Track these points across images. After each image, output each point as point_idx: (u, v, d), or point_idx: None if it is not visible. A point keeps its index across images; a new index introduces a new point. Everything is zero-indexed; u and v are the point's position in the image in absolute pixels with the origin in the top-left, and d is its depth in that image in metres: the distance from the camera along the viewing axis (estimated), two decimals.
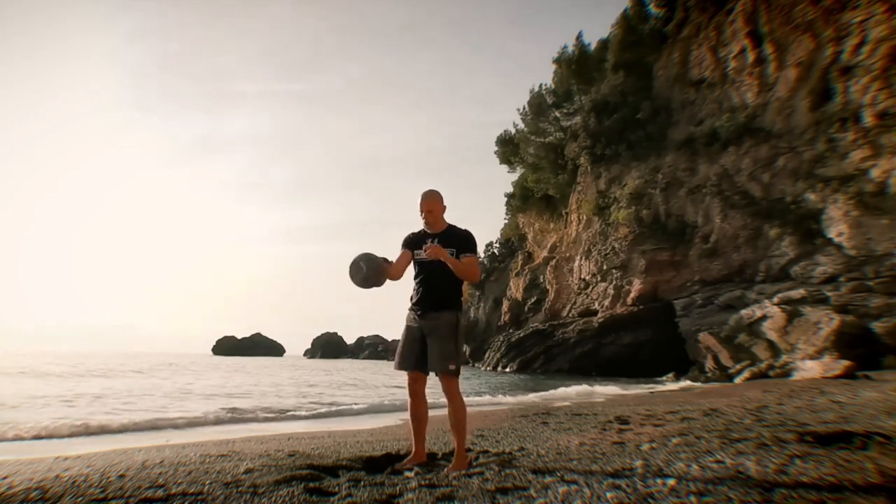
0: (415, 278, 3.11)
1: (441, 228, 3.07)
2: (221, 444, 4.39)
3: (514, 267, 36.17)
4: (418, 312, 3.03)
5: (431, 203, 3.06)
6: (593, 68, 30.53)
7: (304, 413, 8.25)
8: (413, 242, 3.11)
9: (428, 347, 2.95)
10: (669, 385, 14.69)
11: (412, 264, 3.13)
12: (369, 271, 3.01)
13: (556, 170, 31.55)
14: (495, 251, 43.14)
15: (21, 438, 5.54)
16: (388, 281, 3.08)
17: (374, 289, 3.10)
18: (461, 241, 3.04)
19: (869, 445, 2.92)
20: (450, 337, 2.94)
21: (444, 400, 2.98)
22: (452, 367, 2.88)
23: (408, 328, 3.07)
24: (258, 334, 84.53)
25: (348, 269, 3.05)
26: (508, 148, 35.44)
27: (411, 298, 3.12)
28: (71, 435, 5.77)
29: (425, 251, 2.93)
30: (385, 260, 3.07)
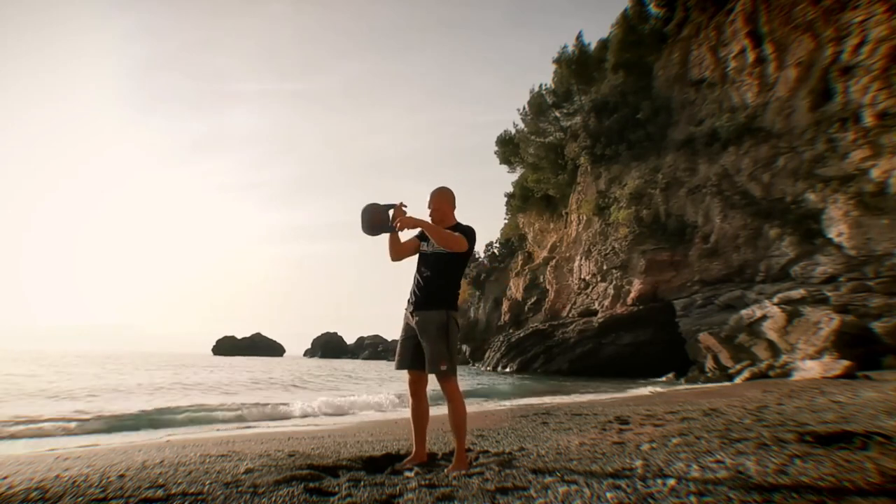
0: (415, 272, 3.10)
1: (448, 224, 3.04)
2: (221, 443, 4.39)
3: (514, 267, 36.15)
4: (410, 309, 3.02)
5: (438, 201, 3.06)
6: (593, 68, 30.52)
7: None
8: (422, 235, 3.10)
9: (423, 349, 2.94)
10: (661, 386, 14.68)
11: (417, 257, 3.11)
12: (370, 217, 2.94)
13: (556, 170, 31.55)
14: (495, 251, 43.12)
15: None
16: (397, 240, 3.03)
17: (383, 236, 3.03)
18: (458, 230, 3.00)
19: (869, 445, 2.92)
20: (439, 337, 2.88)
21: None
22: (444, 367, 2.84)
23: (405, 327, 3.06)
24: (258, 334, 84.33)
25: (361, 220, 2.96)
26: (508, 148, 35.45)
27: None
28: None
29: (394, 223, 2.86)
30: (387, 207, 2.97)
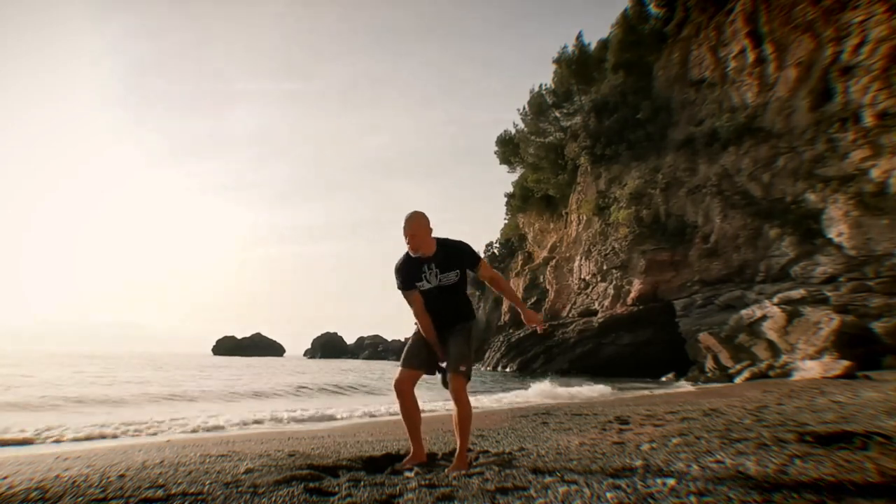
0: (426, 308, 3.06)
1: (431, 250, 2.98)
2: (221, 443, 4.39)
3: (514, 267, 36.16)
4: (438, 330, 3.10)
5: (415, 228, 2.92)
6: (593, 68, 30.54)
7: None
8: (412, 277, 3.02)
9: (448, 347, 3.04)
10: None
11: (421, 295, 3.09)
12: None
13: (556, 170, 31.57)
14: (495, 251, 43.11)
15: None
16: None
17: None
18: (463, 256, 3.04)
19: (869, 445, 2.92)
20: (465, 340, 3.01)
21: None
22: (463, 368, 2.92)
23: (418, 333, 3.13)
24: (258, 334, 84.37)
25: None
26: (508, 148, 35.48)
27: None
28: None
29: (539, 329, 3.29)
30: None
